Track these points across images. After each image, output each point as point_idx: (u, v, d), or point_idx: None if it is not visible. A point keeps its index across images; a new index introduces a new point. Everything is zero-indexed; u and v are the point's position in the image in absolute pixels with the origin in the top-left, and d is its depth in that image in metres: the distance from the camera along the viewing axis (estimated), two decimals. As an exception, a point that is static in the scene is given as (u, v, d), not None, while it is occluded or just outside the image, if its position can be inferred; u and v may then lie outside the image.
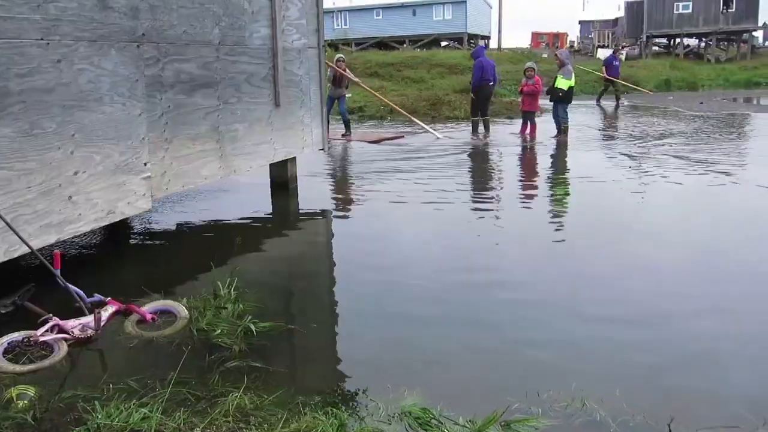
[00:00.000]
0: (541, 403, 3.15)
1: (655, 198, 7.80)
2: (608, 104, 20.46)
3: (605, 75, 21.17)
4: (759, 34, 42.05)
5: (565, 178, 9.29)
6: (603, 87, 21.63)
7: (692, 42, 41.61)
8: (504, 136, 13.48)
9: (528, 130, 13.26)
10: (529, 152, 11.94)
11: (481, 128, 13.98)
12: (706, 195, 8.05)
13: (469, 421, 2.97)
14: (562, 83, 12.76)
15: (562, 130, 12.90)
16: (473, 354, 3.82)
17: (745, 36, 38.78)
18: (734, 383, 3.44)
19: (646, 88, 25.12)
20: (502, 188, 8.93)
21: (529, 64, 13.97)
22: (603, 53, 38.00)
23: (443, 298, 4.69)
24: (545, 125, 13.16)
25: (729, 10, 37.45)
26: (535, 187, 8.88)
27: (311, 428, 2.86)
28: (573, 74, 13.00)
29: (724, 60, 37.60)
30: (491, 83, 14.03)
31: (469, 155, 11.55)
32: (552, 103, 13.21)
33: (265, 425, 2.91)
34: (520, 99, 13.87)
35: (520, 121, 13.80)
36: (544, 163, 10.90)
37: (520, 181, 9.56)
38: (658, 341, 3.92)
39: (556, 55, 14.16)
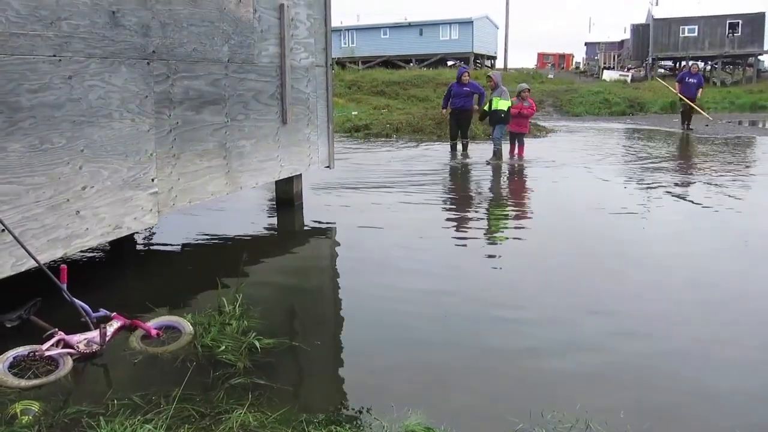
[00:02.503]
0: (545, 424, 3.14)
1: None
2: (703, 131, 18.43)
3: (679, 93, 19.60)
4: (765, 58, 42.25)
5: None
6: (682, 107, 19.85)
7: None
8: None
9: (516, 150, 13.11)
10: (521, 171, 11.97)
11: (459, 148, 14.27)
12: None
13: (473, 441, 2.96)
14: (502, 104, 12.74)
15: (497, 153, 12.88)
16: (478, 374, 3.81)
17: (751, 60, 38.96)
18: (737, 411, 3.42)
19: (652, 110, 25.06)
20: (510, 208, 8.95)
21: (524, 85, 13.64)
22: (609, 74, 38.24)
23: (448, 317, 4.68)
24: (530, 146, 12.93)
25: (735, 35, 37.67)
26: (547, 213, 8.89)
27: (315, 447, 2.85)
28: (508, 95, 12.97)
29: (729, 83, 37.73)
30: None
31: (469, 173, 11.59)
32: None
33: (269, 443, 2.91)
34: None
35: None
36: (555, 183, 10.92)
37: (528, 202, 9.58)
38: (664, 367, 3.91)
39: (489, 76, 13.83)
